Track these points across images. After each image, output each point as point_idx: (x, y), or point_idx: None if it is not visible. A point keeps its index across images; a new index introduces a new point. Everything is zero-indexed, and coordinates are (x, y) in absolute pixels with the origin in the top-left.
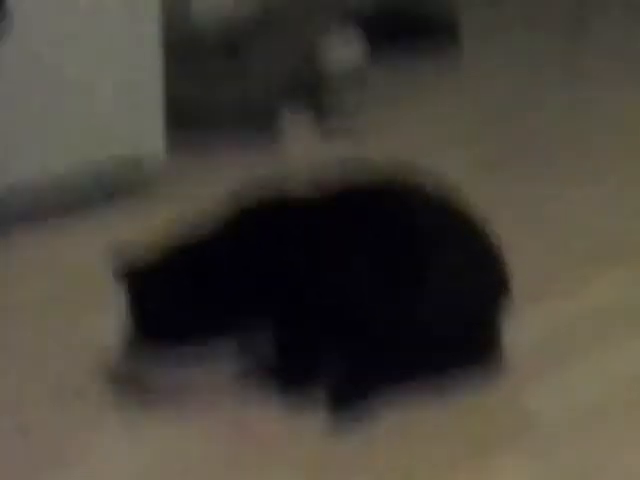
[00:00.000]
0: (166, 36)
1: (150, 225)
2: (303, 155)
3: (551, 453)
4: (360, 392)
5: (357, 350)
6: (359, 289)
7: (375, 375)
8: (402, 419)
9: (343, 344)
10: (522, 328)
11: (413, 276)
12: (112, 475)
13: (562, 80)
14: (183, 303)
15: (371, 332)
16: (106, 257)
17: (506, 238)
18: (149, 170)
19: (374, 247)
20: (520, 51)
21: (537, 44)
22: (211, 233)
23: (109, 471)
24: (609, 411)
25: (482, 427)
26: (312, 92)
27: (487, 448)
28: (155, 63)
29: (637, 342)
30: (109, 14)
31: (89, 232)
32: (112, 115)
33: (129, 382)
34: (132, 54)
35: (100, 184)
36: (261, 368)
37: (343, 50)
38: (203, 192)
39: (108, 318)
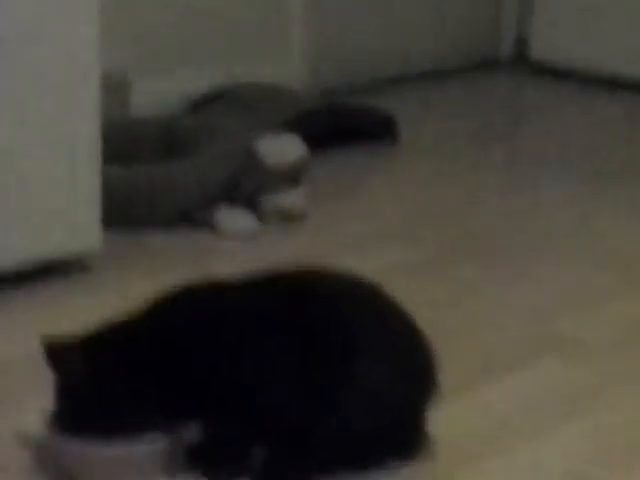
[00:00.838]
0: (104, 132)
1: (82, 318)
2: (240, 253)
3: None
4: None
5: (278, 444)
6: (282, 383)
7: (295, 469)
8: None
9: (266, 439)
10: (448, 421)
11: (337, 369)
12: None
13: (499, 182)
14: (108, 396)
15: (292, 426)
16: (36, 342)
17: (439, 334)
18: (85, 268)
19: (298, 339)
20: (458, 149)
21: (476, 139)
22: (137, 323)
23: None
24: None
25: None
26: (250, 192)
27: None
28: (93, 159)
29: (563, 436)
30: (46, 110)
31: (17, 318)
32: (49, 210)
33: (48, 462)
34: (70, 150)
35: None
36: (189, 462)
37: (280, 150)
38: (138, 288)
39: (34, 403)
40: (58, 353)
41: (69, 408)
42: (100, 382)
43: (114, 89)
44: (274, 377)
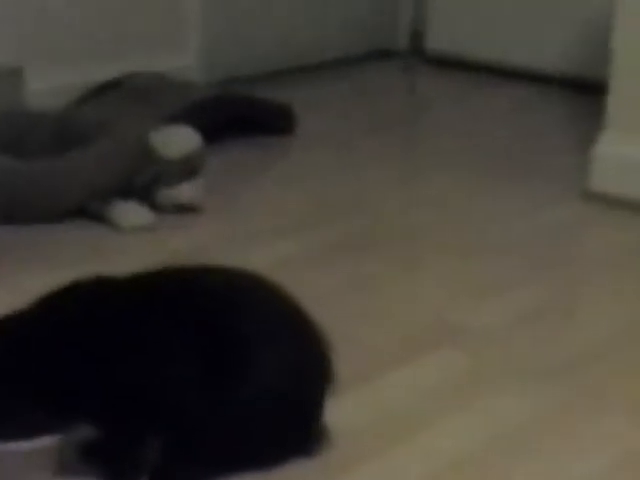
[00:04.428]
0: None
1: None
2: (135, 247)
3: None
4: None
5: (172, 442)
6: (172, 379)
7: (188, 466)
8: None
9: (161, 436)
10: (346, 412)
11: (230, 363)
12: None
13: (394, 173)
14: None
15: (185, 423)
16: None
17: (331, 327)
18: None
19: (189, 335)
20: (354, 139)
21: (372, 130)
22: (24, 320)
23: None
24: None
25: None
26: (145, 184)
27: None
28: None
29: (460, 422)
30: None
31: None
32: None
33: None
34: None
35: None
36: (82, 460)
37: (175, 141)
38: (30, 284)
39: None
40: None
41: None
42: None
43: (6, 79)
44: (165, 374)
